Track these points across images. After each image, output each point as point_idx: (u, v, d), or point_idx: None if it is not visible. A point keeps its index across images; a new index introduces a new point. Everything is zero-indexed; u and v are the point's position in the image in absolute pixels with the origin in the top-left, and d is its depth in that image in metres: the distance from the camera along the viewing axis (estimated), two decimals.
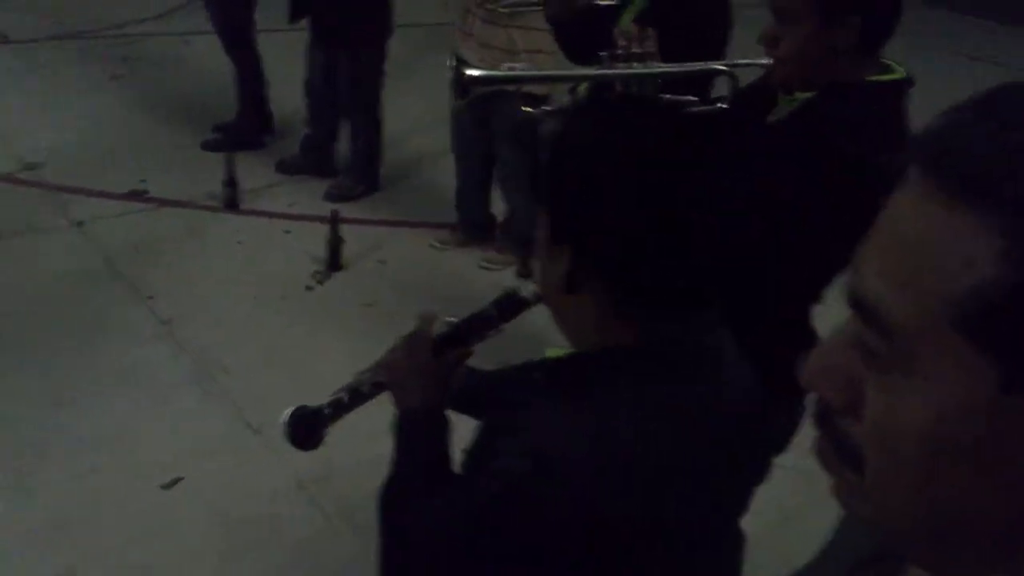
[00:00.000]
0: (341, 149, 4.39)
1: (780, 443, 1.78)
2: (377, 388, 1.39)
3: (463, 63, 1.84)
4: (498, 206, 3.94)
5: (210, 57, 4.82)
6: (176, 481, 2.69)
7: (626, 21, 2.14)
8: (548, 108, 1.97)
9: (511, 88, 2.92)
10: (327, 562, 2.51)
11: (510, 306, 1.26)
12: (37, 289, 3.44)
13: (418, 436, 1.24)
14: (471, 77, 1.74)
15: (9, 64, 5.32)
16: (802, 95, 1.53)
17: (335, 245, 3.72)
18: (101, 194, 4.09)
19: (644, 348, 1.01)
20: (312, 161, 4.39)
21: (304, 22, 4.11)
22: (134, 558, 2.44)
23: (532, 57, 3.38)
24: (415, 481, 1.20)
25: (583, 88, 2.40)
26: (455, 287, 3.69)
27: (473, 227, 3.96)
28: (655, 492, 0.99)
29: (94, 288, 3.50)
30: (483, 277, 3.79)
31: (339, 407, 1.44)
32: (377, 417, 1.52)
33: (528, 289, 1.23)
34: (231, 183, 4.07)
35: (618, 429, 0.97)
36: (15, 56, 5.45)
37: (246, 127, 4.56)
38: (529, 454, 0.97)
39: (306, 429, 1.47)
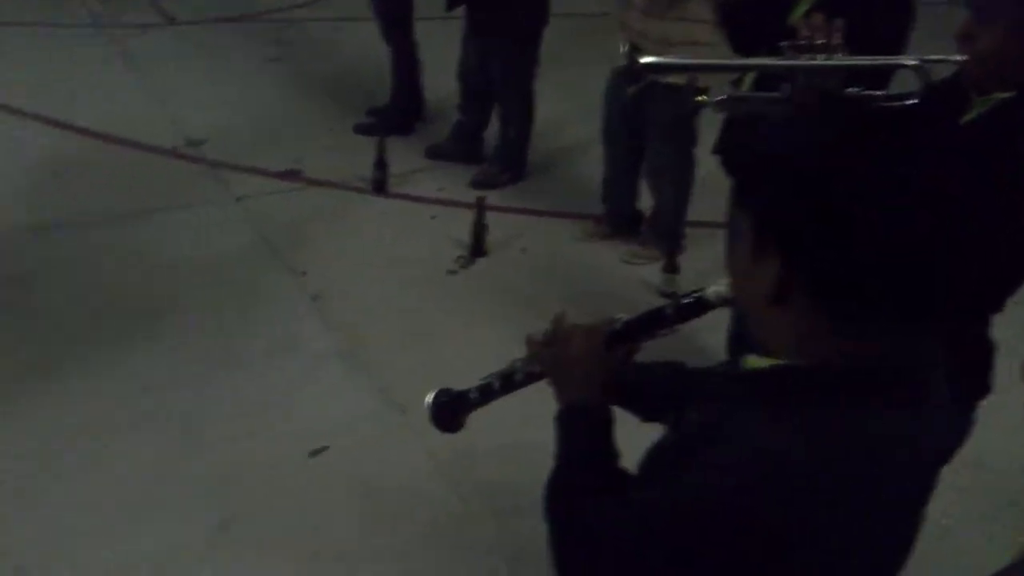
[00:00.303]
0: (489, 137, 4.50)
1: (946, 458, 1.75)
2: (532, 378, 1.39)
3: (637, 50, 1.87)
4: (645, 199, 3.96)
5: (366, 42, 5.01)
6: (322, 450, 2.84)
7: (801, 11, 2.13)
8: (719, 99, 1.98)
9: (672, 79, 2.94)
10: (463, 543, 2.60)
11: (691, 308, 1.26)
12: (200, 260, 3.69)
13: (585, 431, 1.25)
14: (645, 64, 1.77)
15: (176, 45, 5.68)
16: (999, 95, 1.50)
17: (479, 232, 3.83)
18: (258, 172, 4.33)
19: (855, 368, 0.98)
20: (461, 148, 4.51)
21: (460, 10, 4.23)
22: (281, 518, 2.60)
23: (690, 49, 3.38)
24: (583, 477, 1.20)
25: (748, 79, 2.40)
26: (597, 279, 3.74)
27: (618, 219, 3.99)
28: (851, 519, 0.97)
29: (251, 261, 3.72)
30: (626, 271, 3.82)
31: (487, 393, 1.46)
32: (526, 404, 1.57)
33: (712, 291, 1.22)
34: (381, 166, 4.24)
35: (820, 450, 0.95)
36: (181, 37, 5.81)
37: (398, 112, 4.73)
38: (733, 471, 0.96)
39: (450, 412, 1.50)
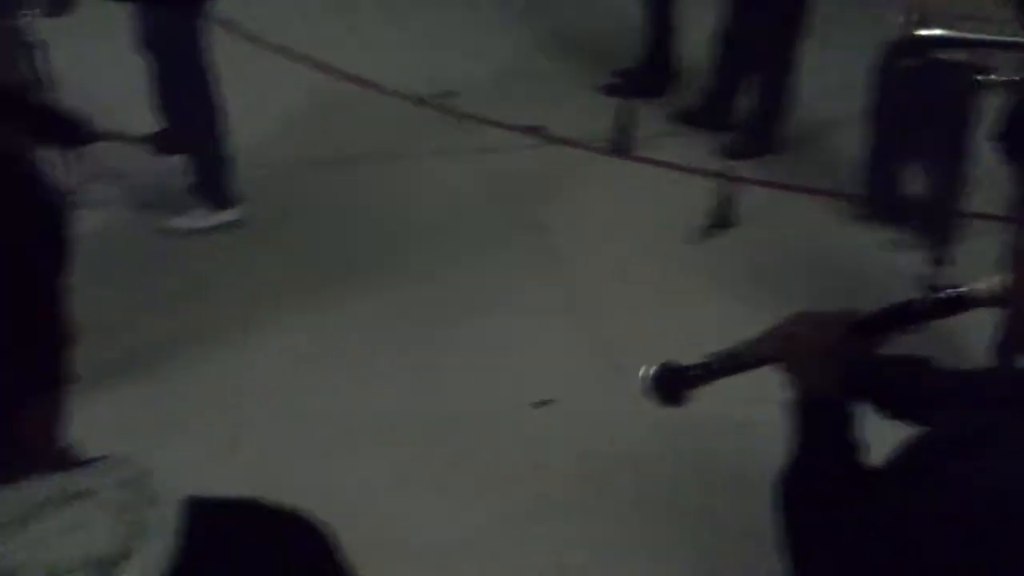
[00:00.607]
0: (741, 105, 4.46)
1: None
2: (762, 361, 1.38)
3: (918, 23, 1.82)
4: (909, 183, 3.81)
5: (620, 1, 5.09)
6: (545, 402, 2.99)
7: None
8: (1007, 79, 1.90)
9: (953, 55, 2.82)
10: (676, 513, 2.68)
11: (946, 305, 1.20)
12: (443, 207, 3.95)
13: (822, 422, 1.24)
14: (927, 38, 1.73)
15: None
16: None
17: (724, 203, 3.82)
18: (502, 125, 4.52)
19: None
20: (711, 114, 4.50)
21: None
22: (503, 463, 2.79)
23: (974, 24, 3.21)
24: (821, 468, 1.21)
25: None
26: (850, 264, 3.65)
27: (879, 202, 3.87)
28: None
29: (491, 213, 3.93)
30: (884, 258, 3.70)
31: (710, 372, 1.45)
32: (754, 382, 1.53)
33: (973, 289, 1.17)
34: (625, 129, 4.31)
35: None
36: None
37: (648, 74, 4.77)
38: (1010, 476, 0.94)
39: (670, 387, 1.50)
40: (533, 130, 4.51)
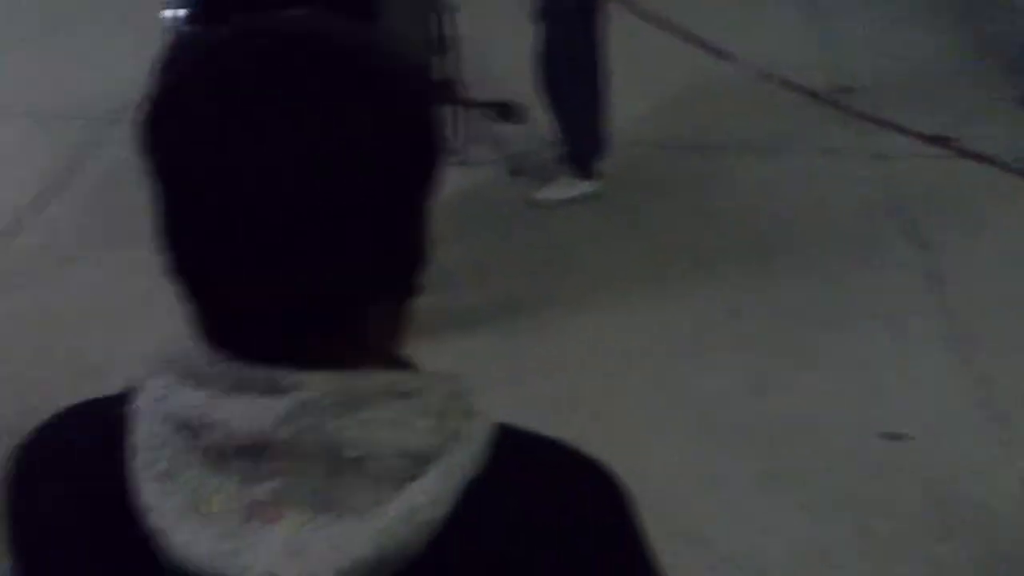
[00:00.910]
0: None
1: None
2: None
3: None
4: None
5: None
6: (901, 436, 2.82)
7: None
8: None
9: None
10: None
11: None
12: (818, 207, 3.83)
13: None
14: None
15: None
16: None
17: None
18: (903, 130, 4.28)
19: None
20: None
21: None
22: (829, 487, 2.67)
23: None
24: None
25: None
26: None
27: None
28: None
29: (872, 222, 3.75)
30: None
31: None
32: None
33: None
34: None
35: None
36: None
37: None
38: None
39: None
40: (941, 140, 4.23)
